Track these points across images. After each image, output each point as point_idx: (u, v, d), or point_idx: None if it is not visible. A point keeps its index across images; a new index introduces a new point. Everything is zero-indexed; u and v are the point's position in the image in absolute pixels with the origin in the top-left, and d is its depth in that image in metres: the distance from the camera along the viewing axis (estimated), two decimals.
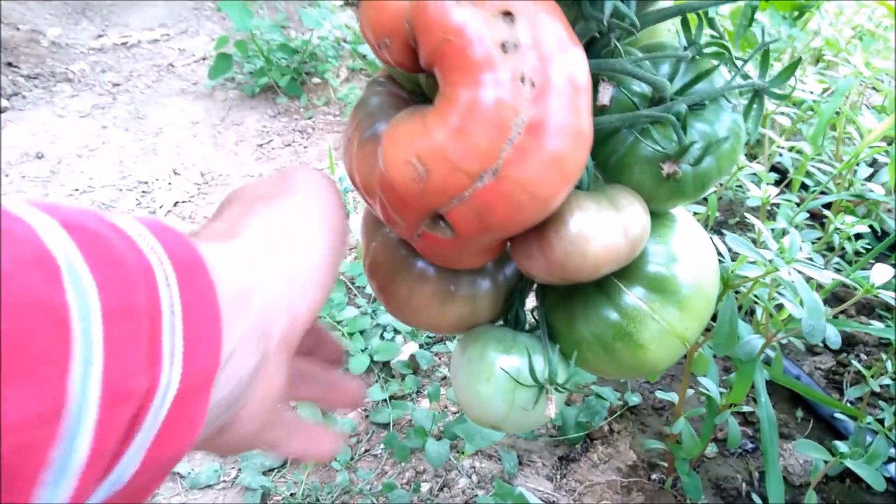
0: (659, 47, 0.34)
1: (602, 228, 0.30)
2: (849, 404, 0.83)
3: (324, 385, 0.31)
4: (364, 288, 1.07)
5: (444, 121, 0.25)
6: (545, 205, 0.27)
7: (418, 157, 0.26)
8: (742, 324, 0.58)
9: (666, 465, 0.80)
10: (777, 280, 0.55)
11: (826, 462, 0.62)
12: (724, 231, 1.10)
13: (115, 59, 1.84)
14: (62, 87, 1.71)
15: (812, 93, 1.00)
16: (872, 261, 0.69)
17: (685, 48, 0.33)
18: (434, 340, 0.99)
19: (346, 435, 0.87)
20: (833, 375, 0.91)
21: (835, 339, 0.53)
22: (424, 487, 0.80)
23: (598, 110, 0.32)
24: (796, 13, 1.20)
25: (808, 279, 0.51)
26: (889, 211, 1.05)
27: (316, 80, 1.72)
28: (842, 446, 0.61)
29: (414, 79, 0.34)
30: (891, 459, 0.74)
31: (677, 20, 0.33)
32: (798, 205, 0.93)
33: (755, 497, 0.76)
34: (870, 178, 0.93)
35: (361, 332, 0.99)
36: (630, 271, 0.35)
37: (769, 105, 0.93)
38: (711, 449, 0.82)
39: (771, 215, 0.98)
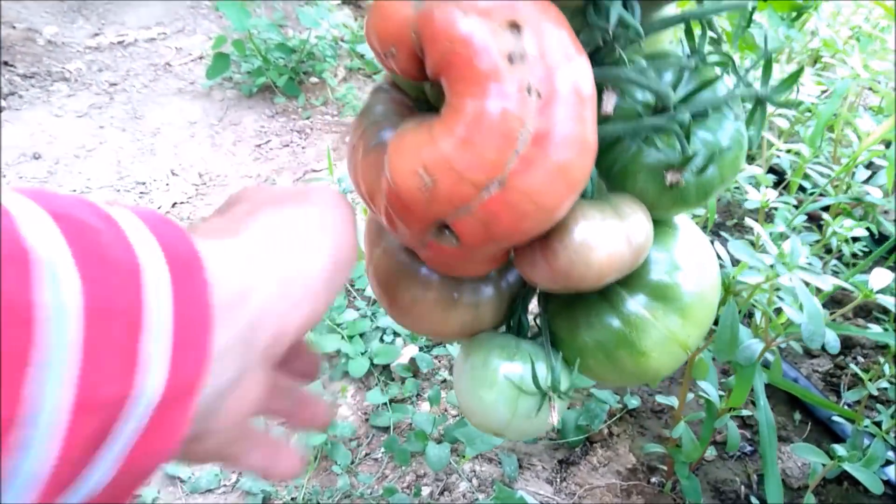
0: (662, 55, 0.34)
1: (606, 237, 0.30)
2: (846, 407, 0.83)
3: (292, 401, 0.29)
4: (364, 290, 1.07)
5: (450, 131, 0.25)
6: (550, 214, 0.28)
7: (425, 167, 0.26)
8: (742, 328, 0.58)
9: (665, 468, 0.80)
10: (776, 284, 0.55)
11: (824, 465, 0.62)
12: (722, 233, 1.11)
13: (112, 57, 1.83)
14: (59, 87, 1.70)
15: (810, 95, 1.01)
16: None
17: (688, 56, 0.33)
18: (434, 343, 0.99)
19: (346, 438, 0.87)
20: (830, 378, 0.92)
21: (834, 345, 0.53)
22: (425, 491, 0.80)
23: (602, 119, 0.32)
24: (794, 14, 1.21)
25: (808, 283, 0.51)
26: (886, 212, 1.05)
27: (314, 79, 1.72)
28: (840, 450, 0.62)
29: (418, 86, 0.34)
30: (888, 462, 0.74)
31: (680, 28, 0.33)
32: (796, 207, 0.93)
33: (754, 500, 0.77)
34: (867, 181, 0.93)
35: (361, 335, 0.99)
36: (633, 279, 0.35)
37: (768, 107, 0.93)
38: (710, 452, 0.82)
39: (769, 217, 0.98)
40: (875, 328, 0.77)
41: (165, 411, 0.17)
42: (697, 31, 0.33)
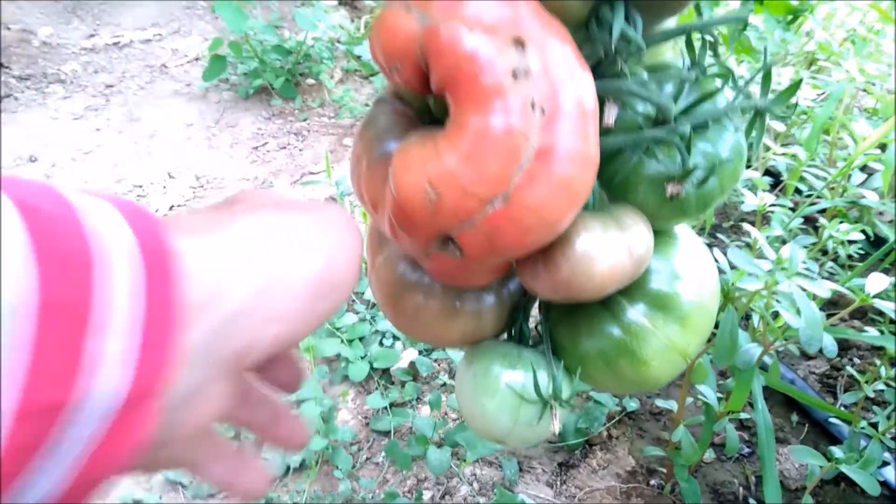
0: (663, 67, 0.35)
1: (607, 249, 0.30)
2: (843, 409, 0.84)
3: (268, 413, 0.27)
4: (363, 294, 1.07)
5: (455, 146, 0.26)
6: (553, 228, 0.28)
7: (430, 181, 0.26)
8: (740, 332, 0.58)
9: (664, 470, 0.80)
10: (774, 289, 0.55)
11: (821, 467, 0.63)
12: (719, 235, 1.11)
13: (108, 59, 1.82)
14: (54, 89, 1.69)
15: (805, 98, 1.01)
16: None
17: (689, 68, 0.33)
18: (433, 347, 1.00)
19: (347, 442, 0.88)
20: (827, 380, 0.92)
21: (832, 349, 0.54)
22: (426, 495, 0.80)
23: (603, 131, 0.32)
24: (790, 17, 1.21)
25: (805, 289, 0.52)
26: (881, 214, 1.06)
27: (310, 81, 1.71)
28: (837, 451, 0.62)
29: (422, 97, 0.34)
30: (885, 464, 0.75)
31: (681, 41, 0.33)
32: (792, 210, 0.94)
33: (752, 501, 0.77)
34: (863, 184, 0.94)
35: (361, 339, 0.99)
36: (633, 288, 0.35)
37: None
38: (709, 454, 0.83)
39: (765, 219, 0.98)
40: (871, 331, 0.77)
41: (128, 415, 0.16)
42: (698, 43, 0.33)
